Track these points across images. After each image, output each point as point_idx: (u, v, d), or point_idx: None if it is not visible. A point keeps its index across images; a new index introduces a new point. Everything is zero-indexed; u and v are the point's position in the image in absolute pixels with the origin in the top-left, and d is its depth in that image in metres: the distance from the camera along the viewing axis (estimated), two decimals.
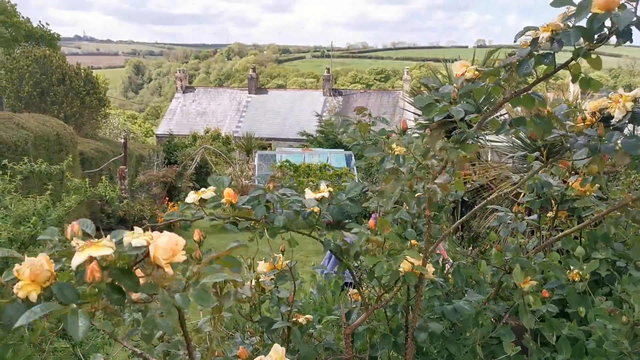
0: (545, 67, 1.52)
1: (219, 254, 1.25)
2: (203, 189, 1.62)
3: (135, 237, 1.06)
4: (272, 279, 1.94)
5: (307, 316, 1.88)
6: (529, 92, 1.55)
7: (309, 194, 1.72)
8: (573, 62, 1.49)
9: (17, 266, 1.01)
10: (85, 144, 14.98)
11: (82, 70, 19.92)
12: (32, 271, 0.99)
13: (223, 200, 1.57)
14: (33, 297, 0.98)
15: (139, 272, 1.07)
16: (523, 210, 2.49)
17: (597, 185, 2.20)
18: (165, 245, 1.06)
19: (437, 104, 1.63)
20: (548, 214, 2.46)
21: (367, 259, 1.65)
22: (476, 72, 1.55)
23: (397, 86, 47.08)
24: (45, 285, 1.00)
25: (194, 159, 18.09)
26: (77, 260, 0.99)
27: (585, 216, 2.43)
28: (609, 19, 1.34)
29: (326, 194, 1.71)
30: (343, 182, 13.45)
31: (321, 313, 2.53)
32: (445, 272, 2.41)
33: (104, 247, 1.01)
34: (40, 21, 28.85)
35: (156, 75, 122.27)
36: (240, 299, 1.27)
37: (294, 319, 1.86)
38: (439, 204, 2.11)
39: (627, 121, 1.62)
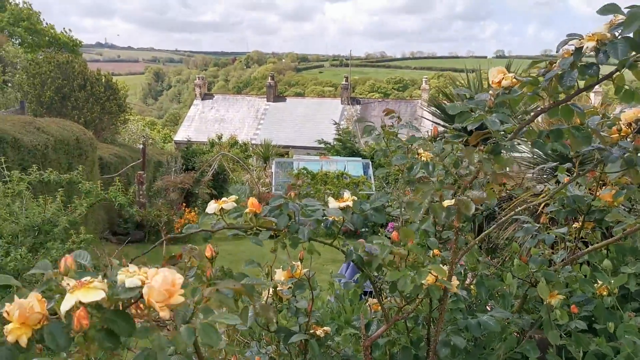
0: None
1: (233, 285, 1.14)
2: (224, 198, 1.58)
3: (129, 277, 0.99)
4: (290, 287, 1.90)
5: (325, 328, 1.83)
6: (568, 103, 1.48)
7: (333, 203, 1.67)
8: (617, 73, 1.41)
9: (6, 305, 0.94)
10: (105, 149, 15.12)
11: (103, 77, 20.16)
12: (21, 313, 0.92)
13: (246, 211, 1.52)
14: (23, 341, 0.91)
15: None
16: (547, 220, 2.41)
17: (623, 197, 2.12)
18: (160, 287, 0.98)
19: (472, 112, 1.57)
20: (574, 225, 2.38)
21: (390, 273, 1.60)
22: (514, 80, 1.49)
23: (415, 95, 46.93)
24: (36, 327, 0.93)
25: (212, 165, 18.16)
26: (65, 305, 0.93)
27: (612, 227, 2.35)
28: None
29: (350, 203, 1.66)
30: (360, 191, 13.38)
31: (339, 322, 2.47)
32: (466, 283, 2.35)
33: (95, 291, 0.94)
34: (64, 28, 29.34)
35: (175, 82, 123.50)
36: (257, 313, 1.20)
37: (312, 331, 1.81)
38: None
39: None
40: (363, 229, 10.60)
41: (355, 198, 1.68)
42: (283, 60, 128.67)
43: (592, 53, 1.36)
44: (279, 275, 1.91)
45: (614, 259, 2.31)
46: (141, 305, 1.02)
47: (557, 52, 1.45)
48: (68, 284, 0.96)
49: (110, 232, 12.66)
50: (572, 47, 1.40)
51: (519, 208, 2.11)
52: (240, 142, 25.98)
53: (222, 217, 1.53)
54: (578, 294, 2.22)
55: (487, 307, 2.19)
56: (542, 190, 2.83)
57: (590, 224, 2.29)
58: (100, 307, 0.96)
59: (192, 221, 12.62)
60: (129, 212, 12.69)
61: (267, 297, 1.83)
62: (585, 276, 2.27)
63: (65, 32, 28.73)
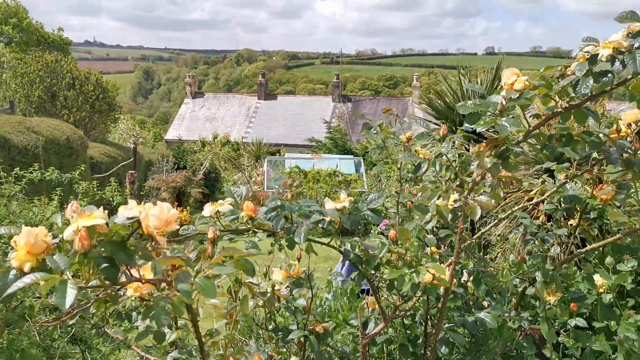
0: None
1: (234, 253, 1.21)
2: (220, 201, 1.57)
3: (128, 209, 1.04)
4: (288, 286, 1.89)
5: (324, 324, 1.83)
6: (582, 107, 1.47)
7: (329, 204, 1.67)
8: (633, 79, 1.41)
9: (15, 236, 1.00)
10: (95, 149, 15.03)
11: (92, 75, 20.01)
12: (27, 241, 0.97)
13: (242, 214, 1.51)
14: (27, 267, 0.96)
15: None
16: (545, 218, 2.42)
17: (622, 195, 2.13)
18: (157, 214, 1.03)
19: (482, 113, 1.55)
20: (570, 222, 2.39)
21: (389, 271, 1.59)
22: (527, 83, 1.48)
23: (406, 93, 46.99)
24: (40, 257, 0.97)
25: (203, 164, 18.10)
26: (69, 230, 0.98)
27: (607, 225, 2.36)
28: None
29: (347, 204, 1.65)
30: (352, 189, 13.38)
31: (337, 320, 2.47)
32: (463, 280, 2.35)
33: (96, 218, 0.99)
34: (54, 28, 29.08)
35: (165, 80, 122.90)
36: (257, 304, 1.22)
37: (312, 328, 1.81)
38: None
39: None
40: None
41: (352, 199, 1.67)
42: (273, 58, 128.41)
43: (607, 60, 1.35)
44: (277, 274, 1.91)
45: (610, 256, 2.33)
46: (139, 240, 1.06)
47: (573, 56, 1.44)
48: (72, 216, 1.01)
49: None
50: (587, 53, 1.38)
51: (516, 207, 2.11)
52: (231, 141, 25.91)
53: (218, 219, 1.52)
54: (574, 291, 2.23)
55: (483, 303, 2.20)
56: (535, 186, 2.84)
57: (587, 222, 2.30)
58: (102, 241, 1.01)
59: (185, 220, 12.57)
60: None
61: (268, 295, 1.82)
62: (580, 271, 2.29)
63: (54, 31, 28.48)
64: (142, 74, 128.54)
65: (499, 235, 5.95)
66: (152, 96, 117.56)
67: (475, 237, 1.99)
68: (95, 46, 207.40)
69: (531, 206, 2.31)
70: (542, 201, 2.10)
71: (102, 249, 0.99)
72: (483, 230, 2.04)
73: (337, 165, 15.83)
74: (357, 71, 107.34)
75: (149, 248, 1.04)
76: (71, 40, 30.19)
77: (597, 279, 2.23)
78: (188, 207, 14.09)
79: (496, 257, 5.56)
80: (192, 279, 1.06)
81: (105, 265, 0.99)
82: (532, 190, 4.02)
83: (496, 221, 2.04)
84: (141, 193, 14.74)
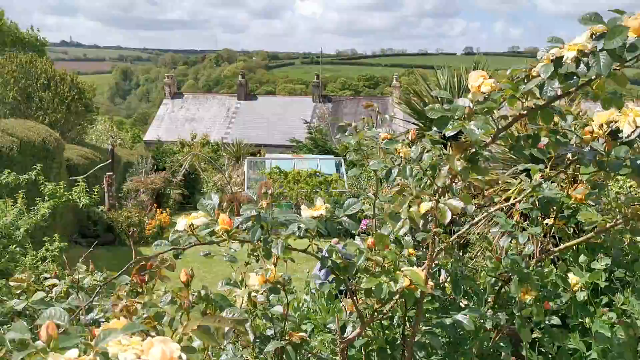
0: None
1: (217, 322, 1.09)
2: (194, 213, 1.55)
3: (123, 350, 0.92)
4: (264, 292, 1.87)
5: (301, 334, 1.81)
6: (548, 106, 1.47)
7: (306, 212, 1.65)
8: (597, 79, 1.42)
9: None
10: (72, 150, 14.79)
11: (68, 76, 19.68)
12: None
13: (217, 228, 1.49)
14: None
15: None
16: (518, 216, 2.44)
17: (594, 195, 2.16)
18: None
19: (451, 117, 1.55)
20: (545, 221, 2.41)
21: (366, 280, 1.59)
22: (493, 85, 1.48)
23: (386, 93, 47.15)
24: None
25: (183, 165, 17.95)
26: None
27: (582, 224, 2.38)
28: None
29: (324, 212, 1.64)
30: (333, 189, 13.39)
31: (315, 323, 2.46)
32: (440, 280, 2.36)
33: None
34: (30, 27, 28.40)
35: (144, 81, 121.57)
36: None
37: (288, 337, 1.79)
38: None
39: (635, 136, 1.55)
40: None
41: (329, 205, 1.66)
42: (253, 58, 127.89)
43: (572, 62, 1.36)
44: (253, 280, 1.89)
45: (583, 254, 2.36)
46: None
47: (537, 58, 1.44)
48: None
49: (79, 235, 12.39)
50: (553, 55, 1.39)
51: (493, 208, 2.12)
52: (211, 142, 25.73)
53: (193, 232, 1.50)
54: (549, 290, 2.25)
55: (460, 303, 2.21)
56: (512, 186, 2.86)
57: (562, 221, 2.32)
58: None
59: (165, 222, 12.45)
60: (98, 214, 12.46)
61: (242, 304, 1.81)
62: (555, 269, 2.31)
63: (30, 30, 27.95)
64: (120, 75, 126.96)
65: (478, 234, 6.00)
66: (131, 97, 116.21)
67: (452, 238, 1.99)
68: (72, 46, 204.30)
69: (507, 206, 2.32)
70: (519, 201, 2.11)
71: None
72: (458, 233, 2.04)
73: (317, 166, 15.83)
74: (337, 71, 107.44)
75: None
76: (47, 41, 29.65)
77: (572, 277, 2.26)
78: (168, 209, 13.96)
79: (476, 255, 5.60)
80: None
81: None
82: (509, 190, 4.06)
83: (474, 222, 2.04)
84: (119, 195, 14.56)
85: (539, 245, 2.34)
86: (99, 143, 21.89)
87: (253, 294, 1.82)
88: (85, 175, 13.50)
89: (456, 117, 1.46)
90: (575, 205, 2.23)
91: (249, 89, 37.66)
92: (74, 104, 19.04)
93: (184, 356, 0.96)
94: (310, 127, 25.04)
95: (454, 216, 1.54)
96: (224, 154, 23.14)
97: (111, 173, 14.01)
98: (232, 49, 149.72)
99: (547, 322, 2.00)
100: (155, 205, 14.23)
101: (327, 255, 1.68)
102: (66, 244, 6.53)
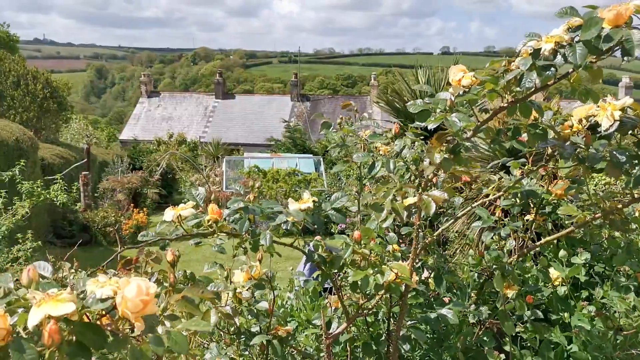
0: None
1: (201, 292, 1.09)
2: (182, 204, 1.53)
3: (100, 287, 0.93)
4: (249, 289, 1.86)
5: (287, 328, 1.81)
6: (526, 100, 1.50)
7: (294, 205, 1.65)
8: (574, 72, 1.44)
9: None
10: (46, 150, 14.52)
11: (41, 74, 19.29)
12: None
13: (207, 218, 1.47)
14: None
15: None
16: (501, 213, 2.46)
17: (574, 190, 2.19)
18: (134, 297, 0.93)
19: (432, 110, 1.57)
20: (526, 217, 2.44)
21: (353, 273, 1.59)
22: (473, 79, 1.49)
23: (364, 92, 47.33)
24: (1, 343, 0.86)
25: (160, 164, 17.76)
26: (33, 319, 0.86)
27: (561, 220, 2.42)
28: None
29: (311, 205, 1.64)
30: (312, 188, 13.38)
31: (299, 320, 2.45)
32: (424, 276, 2.37)
33: (64, 303, 0.88)
34: (3, 22, 27.73)
35: (119, 79, 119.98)
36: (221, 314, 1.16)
37: (274, 332, 1.78)
38: None
39: (614, 130, 1.58)
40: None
41: (316, 199, 1.66)
42: (231, 57, 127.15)
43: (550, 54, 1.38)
44: (238, 276, 1.87)
45: (563, 249, 2.40)
46: (110, 317, 0.96)
47: (517, 50, 1.46)
48: (34, 297, 0.90)
49: (54, 236, 12.16)
50: (531, 48, 1.41)
51: (475, 204, 2.13)
52: (188, 141, 25.53)
53: (180, 223, 1.48)
54: (530, 284, 2.28)
55: (444, 299, 2.23)
56: (492, 182, 2.89)
57: (542, 216, 2.35)
58: (69, 320, 0.90)
59: (142, 222, 12.30)
60: (74, 214, 12.25)
61: (227, 299, 1.79)
62: (536, 265, 2.34)
63: (0, 27, 27.36)
64: (95, 73, 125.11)
65: (456, 231, 6.06)
66: (106, 95, 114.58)
67: (436, 233, 2.00)
68: (46, 44, 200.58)
69: (488, 202, 2.34)
70: (500, 197, 2.13)
71: (72, 337, 0.90)
72: (443, 227, 2.06)
73: (296, 165, 15.80)
74: (315, 70, 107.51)
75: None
76: (18, 38, 29.06)
77: (552, 272, 2.29)
78: (145, 209, 13.79)
79: (454, 253, 5.65)
80: (161, 329, 0.96)
81: (78, 350, 0.89)
82: (488, 187, 4.10)
83: (456, 217, 2.06)
84: (95, 195, 14.34)
85: (520, 240, 2.37)
86: (73, 142, 21.53)
87: (238, 290, 1.81)
88: (61, 175, 13.29)
89: (438, 110, 1.48)
90: (555, 202, 2.27)
91: (227, 88, 37.45)
92: (47, 103, 18.68)
93: (167, 323, 0.97)
94: (289, 126, 25.01)
95: (437, 210, 1.56)
96: (202, 153, 22.97)
97: (87, 172, 13.79)
98: (209, 47, 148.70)
99: (529, 316, 2.03)
100: (132, 205, 14.04)
101: (313, 249, 1.68)
102: (38, 243, 6.39)
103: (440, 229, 2.26)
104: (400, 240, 2.16)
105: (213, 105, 33.10)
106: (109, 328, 0.92)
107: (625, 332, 1.79)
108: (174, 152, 18.87)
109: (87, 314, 0.93)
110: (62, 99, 19.94)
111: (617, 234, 2.36)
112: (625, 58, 1.28)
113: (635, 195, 1.89)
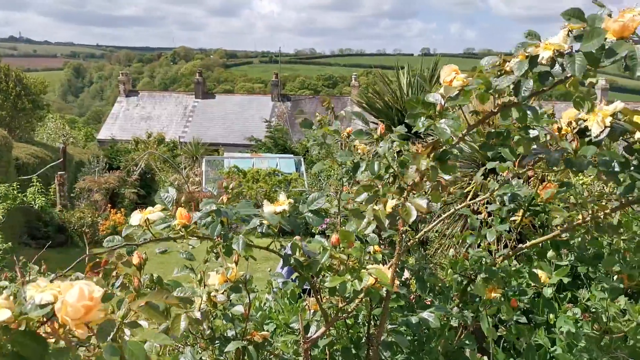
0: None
1: (165, 297, 1.02)
2: (150, 207, 1.45)
3: (40, 291, 0.86)
4: (225, 292, 1.78)
5: (263, 333, 1.73)
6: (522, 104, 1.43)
7: (268, 208, 1.57)
8: (571, 79, 1.38)
9: None
10: (21, 149, 14.22)
11: (13, 72, 18.86)
12: None
13: (174, 223, 1.39)
14: None
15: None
16: (487, 215, 2.42)
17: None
18: (75, 302, 0.85)
19: (421, 114, 1.50)
20: (512, 219, 2.40)
21: (331, 278, 1.52)
22: (465, 80, 1.43)
23: (345, 92, 47.38)
24: None
25: (138, 164, 17.51)
26: None
27: (549, 222, 2.38)
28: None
29: (287, 207, 1.57)
30: (293, 188, 13.30)
31: (277, 322, 2.38)
32: (405, 277, 2.32)
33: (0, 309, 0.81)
34: None
35: (97, 78, 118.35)
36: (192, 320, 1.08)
37: (250, 337, 1.71)
38: None
39: (604, 136, 1.53)
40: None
41: (292, 200, 1.59)
42: (211, 56, 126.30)
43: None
44: (213, 279, 1.79)
45: (548, 250, 2.36)
46: (55, 324, 0.89)
47: (513, 52, 1.39)
48: None
49: (29, 237, 11.88)
50: (529, 53, 1.34)
51: (460, 206, 2.08)
52: (168, 140, 25.26)
53: (148, 227, 1.40)
54: (513, 286, 2.24)
55: (426, 301, 2.17)
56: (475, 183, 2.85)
57: (529, 218, 2.31)
58: (7, 328, 0.83)
59: (120, 222, 12.09)
60: (49, 214, 11.99)
61: (201, 303, 1.71)
62: (521, 267, 2.30)
63: None
64: (72, 72, 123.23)
65: (437, 231, 6.04)
66: (83, 95, 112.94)
67: (418, 235, 1.95)
68: (22, 42, 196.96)
69: (473, 203, 2.30)
70: (486, 199, 2.09)
71: (9, 346, 0.83)
72: (426, 229, 2.00)
73: (277, 165, 15.70)
74: (296, 70, 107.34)
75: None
76: None
77: (540, 272, 2.25)
78: (123, 209, 13.56)
79: (434, 252, 5.62)
80: (118, 335, 0.88)
81: None
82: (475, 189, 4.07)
83: (440, 219, 2.01)
84: (72, 195, 14.06)
85: (505, 242, 2.33)
86: (50, 142, 21.14)
87: (213, 293, 1.73)
88: (36, 175, 12.99)
89: (426, 114, 1.41)
90: (542, 204, 2.23)
91: (207, 88, 37.15)
92: (20, 101, 18.28)
93: (127, 331, 0.89)
94: (270, 126, 24.89)
95: (420, 215, 1.49)
96: (182, 153, 22.74)
97: (63, 172, 13.52)
98: (189, 46, 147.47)
99: (513, 319, 1.99)
100: (109, 205, 13.81)
101: (290, 252, 1.61)
102: (9, 244, 6.22)
103: (422, 232, 2.20)
104: (381, 241, 2.10)
105: (193, 105, 32.81)
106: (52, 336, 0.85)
107: (612, 335, 1.75)
108: (152, 152, 18.63)
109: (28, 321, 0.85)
110: (36, 97, 19.56)
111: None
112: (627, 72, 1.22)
113: (624, 201, 1.85)
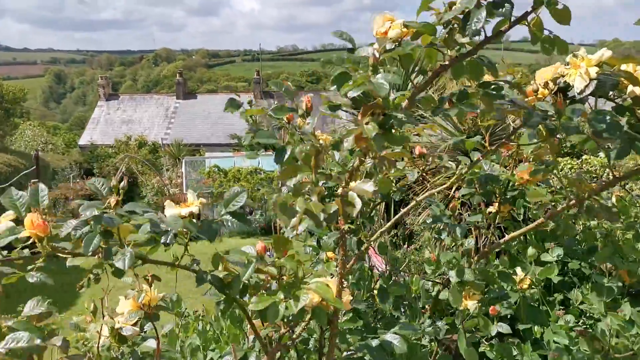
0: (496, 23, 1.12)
1: None
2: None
3: None
4: (138, 321, 1.43)
5: None
6: (475, 55, 1.10)
7: (171, 210, 1.22)
8: (533, 14, 1.07)
9: None
10: None
11: None
12: None
13: (20, 235, 1.04)
14: None
15: None
16: (459, 204, 2.09)
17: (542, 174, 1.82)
18: None
19: (353, 73, 1.17)
20: (488, 209, 2.05)
21: (256, 300, 1.17)
22: (404, 30, 1.10)
23: (329, 87, 46.99)
24: None
25: (119, 169, 17.07)
26: None
27: (530, 211, 2.06)
28: None
29: (195, 209, 1.22)
30: (274, 185, 12.96)
31: (220, 349, 2.02)
32: (372, 286, 1.99)
33: None
34: None
35: (79, 84, 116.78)
36: None
37: None
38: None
39: (590, 92, 1.19)
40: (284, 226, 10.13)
41: (204, 200, 1.24)
42: (193, 57, 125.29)
43: None
44: (123, 305, 1.44)
45: (532, 245, 2.03)
46: None
47: None
48: None
49: None
50: None
51: (429, 192, 1.73)
52: (149, 143, 24.82)
53: None
54: (495, 290, 1.90)
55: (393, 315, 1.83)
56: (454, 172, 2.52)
57: (507, 206, 1.96)
58: None
59: None
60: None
61: (99, 340, 1.36)
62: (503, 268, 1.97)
63: None
64: (53, 78, 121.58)
65: (422, 223, 5.71)
66: (66, 101, 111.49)
67: (374, 237, 1.60)
68: (0, 50, 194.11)
69: (444, 192, 1.96)
70: (454, 184, 1.73)
71: None
72: (392, 221, 1.67)
73: (258, 163, 15.35)
74: (279, 67, 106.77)
75: None
76: None
77: (520, 273, 1.92)
78: None
79: (421, 246, 5.30)
80: None
81: None
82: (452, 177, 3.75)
83: (403, 211, 1.67)
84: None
85: (482, 237, 1.99)
86: (28, 150, 20.61)
87: (118, 325, 1.38)
88: (8, 184, 12.51)
89: (360, 73, 1.07)
90: (521, 188, 1.89)
91: (189, 88, 36.63)
92: None
93: None
94: (251, 124, 24.51)
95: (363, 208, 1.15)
96: (163, 154, 22.31)
97: (36, 180, 13.05)
98: (170, 48, 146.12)
99: (493, 331, 1.65)
100: None
101: (205, 272, 1.25)
102: None
103: (386, 226, 1.85)
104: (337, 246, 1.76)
105: (174, 106, 32.31)
106: None
107: (617, 355, 1.41)
108: (131, 156, 18.19)
109: None
110: (9, 105, 19.04)
111: (593, 223, 2.00)
112: None
113: (611, 177, 1.52)
